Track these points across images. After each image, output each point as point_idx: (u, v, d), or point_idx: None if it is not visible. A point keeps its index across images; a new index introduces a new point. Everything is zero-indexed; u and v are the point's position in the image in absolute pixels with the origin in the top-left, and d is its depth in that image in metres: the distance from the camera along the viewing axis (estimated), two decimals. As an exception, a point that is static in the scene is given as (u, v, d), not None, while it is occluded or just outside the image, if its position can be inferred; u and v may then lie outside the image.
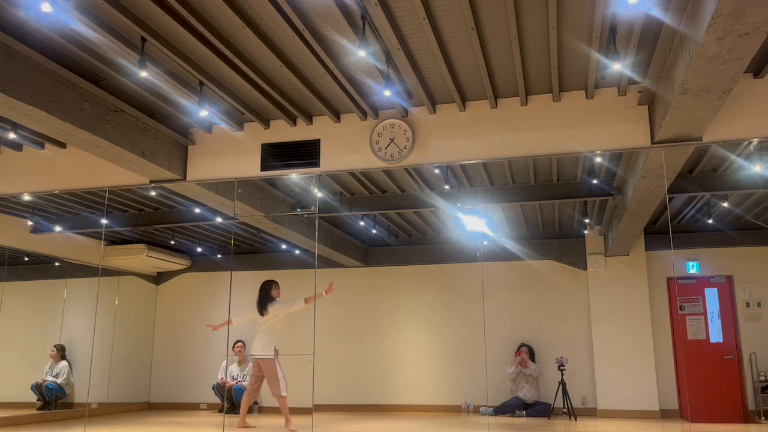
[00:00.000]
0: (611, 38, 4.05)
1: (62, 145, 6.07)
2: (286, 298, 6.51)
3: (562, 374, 7.83)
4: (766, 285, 7.98)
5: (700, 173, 6.45)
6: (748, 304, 8.03)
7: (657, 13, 3.80)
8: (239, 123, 5.78)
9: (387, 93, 4.67)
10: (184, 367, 9.40)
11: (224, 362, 8.70)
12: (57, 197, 6.83)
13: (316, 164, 5.63)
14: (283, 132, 5.75)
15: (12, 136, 5.60)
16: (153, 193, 6.36)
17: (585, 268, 8.48)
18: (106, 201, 6.59)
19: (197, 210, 6.85)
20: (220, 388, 8.66)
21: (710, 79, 3.72)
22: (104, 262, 7.38)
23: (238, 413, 7.16)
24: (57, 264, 8.46)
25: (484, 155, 5.35)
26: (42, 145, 6.09)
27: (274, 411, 8.44)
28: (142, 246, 8.28)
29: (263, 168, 5.71)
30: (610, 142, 5.10)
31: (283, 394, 6.17)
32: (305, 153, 5.65)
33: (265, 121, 5.75)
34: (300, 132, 5.74)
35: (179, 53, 4.39)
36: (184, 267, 9.52)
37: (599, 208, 7.81)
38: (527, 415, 7.89)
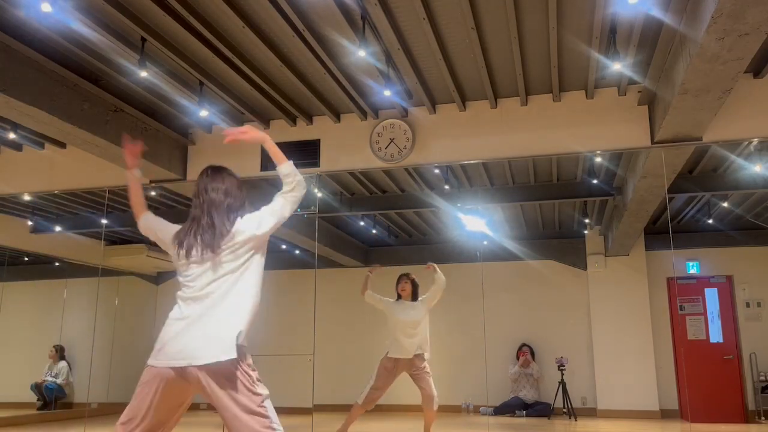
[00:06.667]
0: (611, 38, 4.05)
1: (62, 145, 6.06)
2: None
3: (562, 374, 7.83)
4: (766, 285, 7.97)
5: (700, 173, 6.44)
6: (748, 304, 8.02)
7: (657, 13, 3.80)
8: (239, 123, 5.77)
9: (387, 93, 4.67)
10: (184, 367, 9.35)
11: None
12: (57, 197, 6.82)
13: (316, 164, 5.62)
14: (283, 132, 5.74)
15: (12, 136, 5.59)
16: (153, 193, 6.35)
17: (585, 268, 8.47)
18: (106, 201, 6.59)
19: (197, 210, 6.84)
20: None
21: (710, 79, 3.72)
22: (104, 262, 7.38)
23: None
24: (57, 264, 8.46)
25: (484, 155, 5.35)
26: (42, 145, 6.09)
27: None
28: (142, 246, 8.25)
29: (263, 168, 5.70)
30: (610, 142, 5.10)
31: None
32: (305, 153, 5.64)
33: (265, 121, 5.74)
34: (300, 132, 5.73)
35: (179, 53, 4.39)
36: (185, 267, 9.47)
37: (599, 208, 7.81)
38: (527, 415, 7.89)
